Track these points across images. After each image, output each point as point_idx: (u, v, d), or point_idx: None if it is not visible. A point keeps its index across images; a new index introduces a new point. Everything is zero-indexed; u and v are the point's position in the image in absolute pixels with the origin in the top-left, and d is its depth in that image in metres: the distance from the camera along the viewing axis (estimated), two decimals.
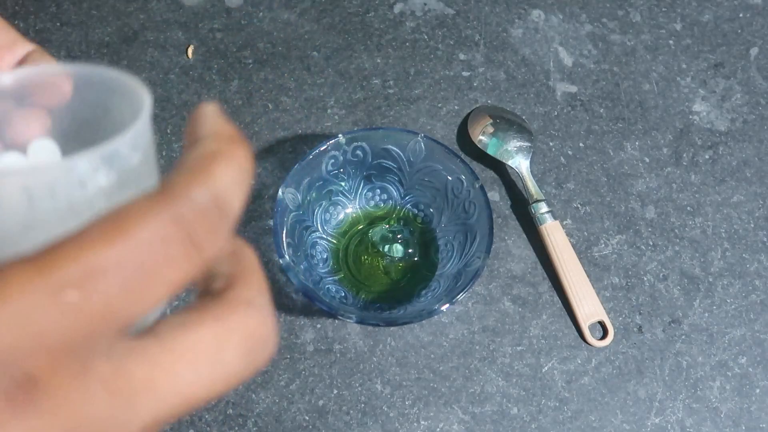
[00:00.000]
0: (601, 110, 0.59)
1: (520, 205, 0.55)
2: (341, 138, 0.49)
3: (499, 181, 0.56)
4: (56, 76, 0.23)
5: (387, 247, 0.52)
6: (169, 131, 0.57)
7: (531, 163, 0.56)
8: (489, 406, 0.49)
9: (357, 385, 0.49)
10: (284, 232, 0.47)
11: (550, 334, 0.51)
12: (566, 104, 0.59)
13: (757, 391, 0.50)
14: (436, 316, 0.51)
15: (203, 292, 0.19)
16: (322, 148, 0.48)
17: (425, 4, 0.63)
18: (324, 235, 0.52)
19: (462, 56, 0.61)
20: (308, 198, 0.50)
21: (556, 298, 0.52)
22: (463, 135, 0.57)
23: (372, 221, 0.53)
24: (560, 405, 0.49)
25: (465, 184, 0.49)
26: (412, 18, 0.63)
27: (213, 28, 0.61)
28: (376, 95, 0.59)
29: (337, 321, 0.50)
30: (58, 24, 0.61)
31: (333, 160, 0.50)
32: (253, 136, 0.57)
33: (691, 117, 0.60)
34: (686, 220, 0.55)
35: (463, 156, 0.55)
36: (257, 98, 0.58)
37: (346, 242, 0.53)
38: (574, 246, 0.53)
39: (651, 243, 0.54)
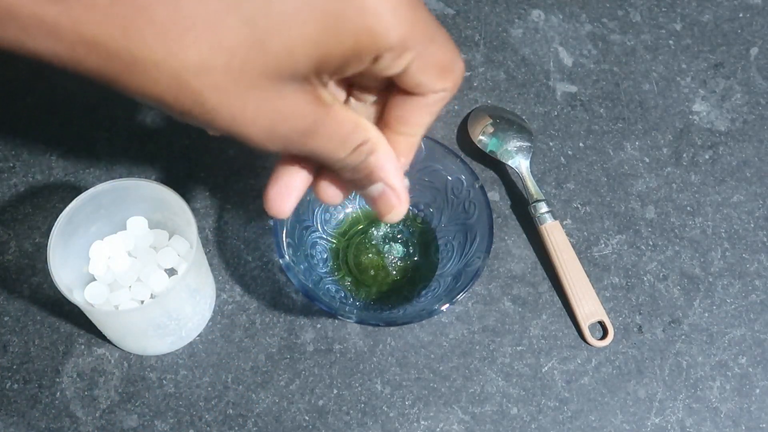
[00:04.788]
0: (601, 110, 0.59)
1: (520, 205, 0.55)
2: None
3: (499, 181, 0.56)
4: None
5: (387, 247, 0.52)
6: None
7: (531, 163, 0.56)
8: (489, 406, 0.49)
9: (357, 385, 0.49)
10: (284, 232, 0.47)
11: (550, 334, 0.51)
12: (566, 104, 0.59)
13: (757, 391, 0.50)
14: (436, 316, 0.51)
15: None
16: None
17: (425, 4, 0.63)
18: (324, 235, 0.52)
19: (462, 56, 0.61)
20: (308, 197, 0.50)
21: (556, 298, 0.52)
22: (463, 135, 0.57)
23: (372, 221, 0.53)
24: (560, 405, 0.49)
25: (465, 184, 0.49)
26: None
27: None
28: None
29: (337, 321, 0.50)
30: None
31: None
32: None
33: (691, 117, 0.60)
34: (686, 220, 0.55)
35: (463, 156, 0.55)
36: None
37: (346, 242, 0.53)
38: (574, 246, 0.53)
39: (651, 243, 0.54)
